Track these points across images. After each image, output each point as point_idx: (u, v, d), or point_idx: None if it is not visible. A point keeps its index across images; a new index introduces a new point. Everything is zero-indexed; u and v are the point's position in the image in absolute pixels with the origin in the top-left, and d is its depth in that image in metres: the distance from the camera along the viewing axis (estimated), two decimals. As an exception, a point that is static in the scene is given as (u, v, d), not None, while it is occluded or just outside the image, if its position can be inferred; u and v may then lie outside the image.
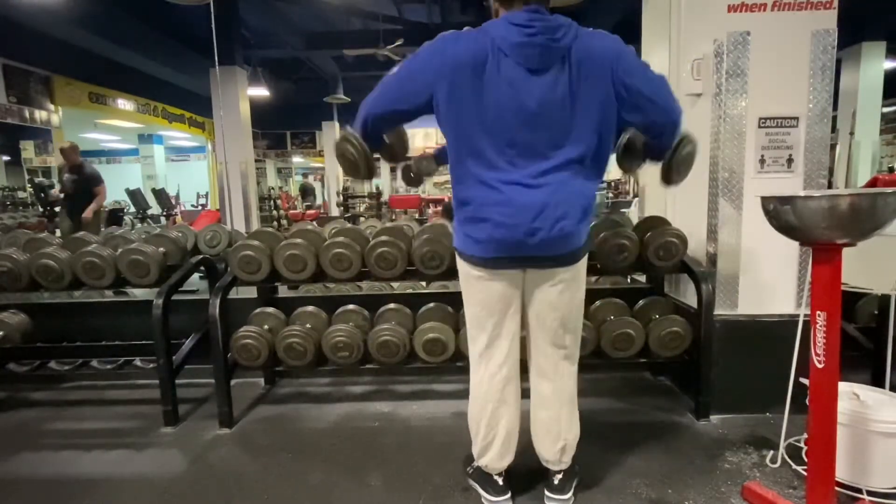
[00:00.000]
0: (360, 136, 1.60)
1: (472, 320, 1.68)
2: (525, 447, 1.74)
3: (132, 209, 10.80)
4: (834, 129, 8.15)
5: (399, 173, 1.96)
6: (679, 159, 1.58)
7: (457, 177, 1.55)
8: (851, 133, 8.12)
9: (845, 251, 1.44)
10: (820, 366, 1.47)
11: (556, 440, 1.68)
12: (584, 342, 1.73)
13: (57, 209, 7.26)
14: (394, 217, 11.04)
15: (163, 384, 2.37)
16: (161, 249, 2.53)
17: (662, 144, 1.56)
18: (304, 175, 17.30)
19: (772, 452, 1.98)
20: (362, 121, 1.56)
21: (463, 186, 1.53)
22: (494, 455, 1.68)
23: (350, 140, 1.61)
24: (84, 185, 5.95)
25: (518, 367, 1.70)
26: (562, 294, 1.61)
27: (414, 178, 1.99)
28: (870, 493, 1.66)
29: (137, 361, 2.66)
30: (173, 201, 11.76)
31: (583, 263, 1.64)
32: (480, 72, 1.41)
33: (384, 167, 21.63)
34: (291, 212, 12.26)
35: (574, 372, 1.71)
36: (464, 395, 1.73)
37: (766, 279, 2.29)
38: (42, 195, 7.68)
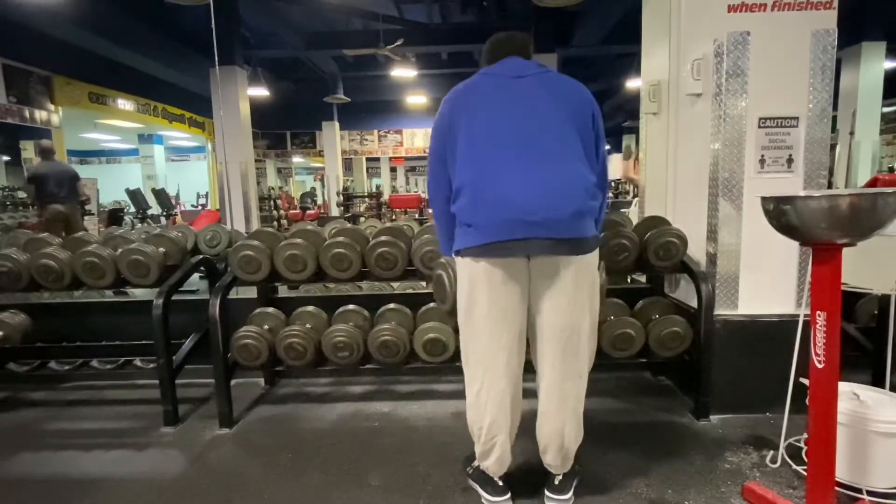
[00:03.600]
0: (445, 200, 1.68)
1: (469, 325, 1.62)
2: (525, 447, 1.74)
3: (132, 209, 10.80)
4: (834, 129, 8.14)
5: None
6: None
7: (454, 173, 1.59)
8: (851, 133, 8.11)
9: (845, 251, 1.44)
10: (820, 366, 1.47)
11: (560, 449, 1.66)
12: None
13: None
14: (394, 217, 11.04)
15: (163, 384, 2.37)
16: (161, 249, 2.53)
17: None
18: (312, 189, 17.06)
19: (772, 452, 1.98)
20: (435, 196, 1.70)
21: (461, 175, 1.56)
22: (494, 460, 1.68)
23: (448, 270, 1.76)
24: None
25: (520, 374, 1.66)
26: (571, 295, 1.56)
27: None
28: (870, 493, 1.66)
29: (137, 361, 2.66)
30: (173, 201, 11.76)
31: (593, 261, 1.60)
32: (476, 90, 1.62)
33: (384, 168, 21.66)
34: (292, 212, 12.26)
35: (583, 382, 1.66)
36: (464, 395, 1.73)
37: (766, 279, 2.29)
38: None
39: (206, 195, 15.13)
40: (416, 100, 13.18)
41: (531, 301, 1.61)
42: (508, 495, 1.72)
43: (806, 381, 1.55)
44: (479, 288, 1.57)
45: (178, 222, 9.63)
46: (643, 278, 2.87)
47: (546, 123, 1.54)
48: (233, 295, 2.63)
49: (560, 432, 1.64)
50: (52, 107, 8.13)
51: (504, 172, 1.49)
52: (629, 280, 3.01)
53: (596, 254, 1.62)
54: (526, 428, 1.73)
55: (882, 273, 1.84)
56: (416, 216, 10.44)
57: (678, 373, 2.65)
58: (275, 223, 10.81)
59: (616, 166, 10.50)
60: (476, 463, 1.76)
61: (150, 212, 10.73)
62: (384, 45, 8.67)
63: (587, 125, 1.60)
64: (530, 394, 1.71)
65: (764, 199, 1.50)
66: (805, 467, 1.70)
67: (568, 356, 1.60)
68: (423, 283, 2.94)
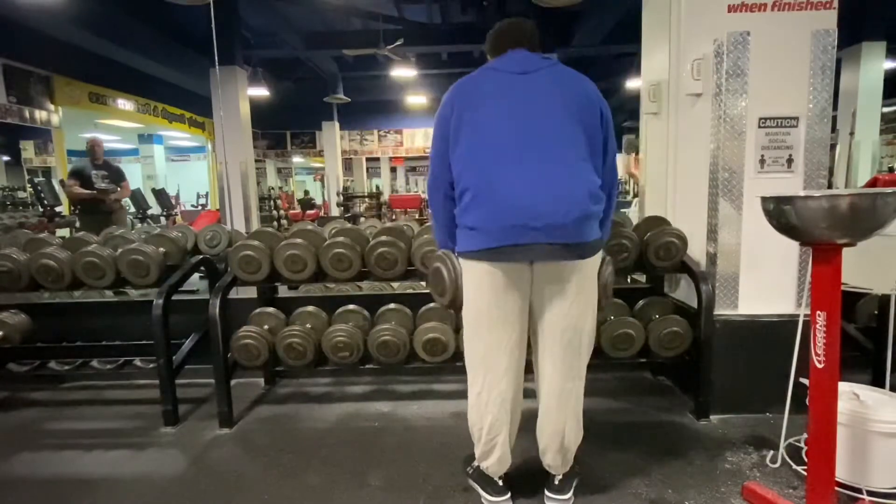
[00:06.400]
0: (442, 199, 1.65)
1: (472, 326, 1.63)
2: (525, 447, 1.74)
3: (132, 209, 10.78)
4: (834, 129, 8.13)
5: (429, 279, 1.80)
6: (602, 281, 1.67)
7: (458, 174, 1.56)
8: (851, 133, 8.10)
9: (845, 251, 1.44)
10: (820, 366, 1.47)
11: (561, 449, 1.66)
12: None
13: (59, 209, 7.28)
14: (394, 217, 11.04)
15: (163, 384, 2.37)
16: (161, 249, 2.53)
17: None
18: (306, 193, 17.14)
19: (772, 452, 1.98)
20: (435, 182, 1.65)
21: (465, 178, 1.54)
22: (494, 461, 1.68)
23: (447, 262, 1.64)
24: (115, 180, 6.15)
25: (521, 376, 1.66)
26: (574, 298, 1.56)
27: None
28: (870, 493, 1.66)
29: (137, 361, 2.65)
30: (173, 201, 11.75)
31: (596, 263, 1.61)
32: (479, 87, 1.59)
33: (384, 168, 21.66)
34: (292, 212, 12.26)
35: (582, 382, 1.67)
36: (464, 395, 1.73)
37: (766, 279, 2.29)
38: (42, 195, 7.69)
39: (206, 195, 15.11)
40: (416, 100, 13.17)
41: (533, 303, 1.61)
42: (508, 495, 1.72)
43: (806, 381, 1.55)
44: (481, 290, 1.57)
45: (178, 222, 9.62)
46: (643, 278, 2.87)
47: (551, 124, 1.51)
48: (233, 295, 2.62)
49: (561, 432, 1.65)
50: (52, 107, 8.13)
51: (507, 176, 1.47)
52: (629, 280, 3.01)
53: (599, 256, 1.63)
54: (526, 428, 1.73)
55: (882, 273, 1.84)
56: (416, 216, 10.44)
57: (678, 373, 2.65)
58: (275, 223, 10.81)
59: (618, 163, 10.50)
60: (476, 463, 1.76)
61: (149, 212, 10.72)
62: (384, 45, 8.66)
63: (595, 123, 1.56)
64: (530, 394, 1.72)
65: (764, 199, 1.50)
66: (805, 467, 1.70)
67: (569, 357, 1.61)
68: (423, 283, 2.94)
